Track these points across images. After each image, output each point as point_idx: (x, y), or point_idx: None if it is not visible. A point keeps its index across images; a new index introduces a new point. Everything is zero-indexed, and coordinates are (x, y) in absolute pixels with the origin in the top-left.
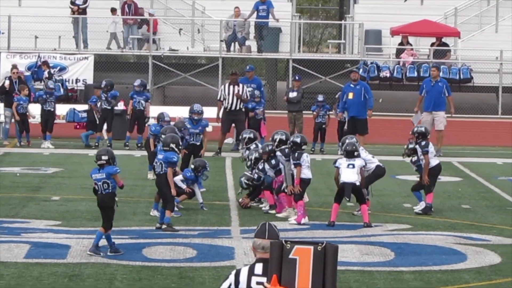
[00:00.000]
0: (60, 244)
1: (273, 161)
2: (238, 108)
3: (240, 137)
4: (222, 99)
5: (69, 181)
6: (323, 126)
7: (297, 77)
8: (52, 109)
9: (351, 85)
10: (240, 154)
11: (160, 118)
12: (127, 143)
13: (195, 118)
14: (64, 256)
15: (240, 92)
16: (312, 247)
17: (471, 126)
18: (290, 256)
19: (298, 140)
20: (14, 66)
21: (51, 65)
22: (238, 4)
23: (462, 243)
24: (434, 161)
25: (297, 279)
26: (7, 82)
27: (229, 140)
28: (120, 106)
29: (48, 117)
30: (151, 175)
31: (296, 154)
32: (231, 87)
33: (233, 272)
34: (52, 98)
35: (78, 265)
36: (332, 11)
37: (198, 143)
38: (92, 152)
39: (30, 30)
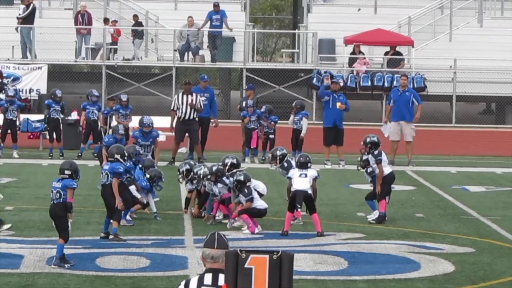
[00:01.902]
0: (14, 254)
1: (226, 180)
2: (191, 117)
3: (177, 171)
4: (175, 108)
5: (23, 191)
6: (270, 136)
7: (250, 86)
8: (14, 118)
9: (335, 95)
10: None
11: (115, 130)
12: (79, 154)
13: (145, 130)
14: (17, 266)
15: (194, 102)
16: (267, 256)
17: (425, 135)
18: (246, 265)
19: (242, 178)
20: None
21: (4, 75)
22: (192, 13)
23: (415, 251)
24: (387, 170)
25: None
26: None
27: (183, 150)
28: (74, 116)
29: (10, 126)
30: None
31: (246, 190)
32: (185, 96)
33: (183, 283)
34: (14, 106)
35: (32, 275)
36: (286, 20)
37: (149, 154)
38: (46, 162)
39: None
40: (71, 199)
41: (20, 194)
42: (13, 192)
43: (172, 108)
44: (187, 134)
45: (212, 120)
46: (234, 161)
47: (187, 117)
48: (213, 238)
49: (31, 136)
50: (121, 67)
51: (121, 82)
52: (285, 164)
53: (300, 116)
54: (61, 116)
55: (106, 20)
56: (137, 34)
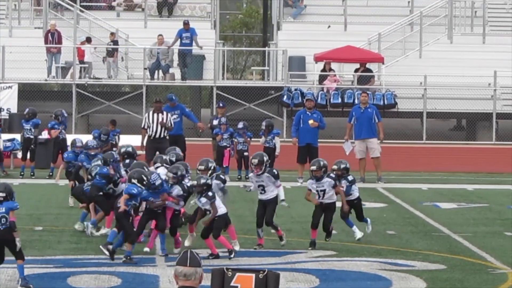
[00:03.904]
0: None
1: (210, 193)
2: (162, 136)
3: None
4: (146, 127)
5: None
6: (245, 153)
7: (221, 104)
8: None
9: (308, 113)
10: None
11: (73, 144)
12: (51, 173)
13: (92, 153)
14: None
15: (164, 120)
16: (253, 275)
17: (396, 152)
18: (232, 284)
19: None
20: None
21: None
22: (162, 31)
23: (387, 269)
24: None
25: None
26: None
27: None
28: (45, 134)
29: None
30: (71, 201)
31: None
32: (155, 115)
33: None
34: None
35: None
36: (256, 37)
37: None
38: (17, 181)
39: None
40: (14, 218)
41: None
42: None
43: (142, 126)
44: (157, 153)
45: (198, 125)
46: (214, 164)
47: (157, 135)
48: (186, 256)
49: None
50: (91, 86)
51: (91, 101)
52: (275, 172)
53: (272, 136)
54: (32, 134)
55: (89, 40)
56: (110, 53)
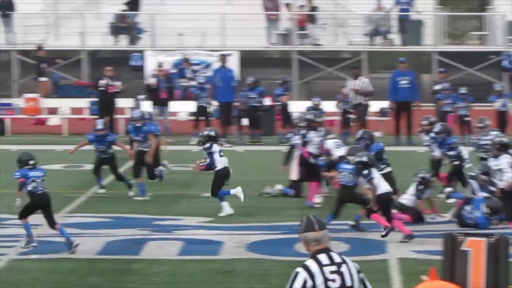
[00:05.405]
0: (213, 240)
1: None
2: (357, 102)
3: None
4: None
5: None
6: (465, 118)
7: (442, 69)
8: (205, 105)
9: None
10: None
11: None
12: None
13: (137, 125)
14: (217, 253)
15: (357, 86)
16: (485, 239)
17: None
18: (463, 248)
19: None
20: (160, 64)
21: (196, 62)
22: None
23: None
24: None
25: (470, 271)
26: (153, 80)
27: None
28: (266, 102)
29: (201, 113)
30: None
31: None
32: (352, 82)
33: (300, 269)
34: (205, 93)
35: (232, 261)
36: (475, 2)
37: (145, 149)
38: (239, 148)
39: (174, 27)
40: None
41: None
42: (209, 178)
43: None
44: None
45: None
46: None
47: (353, 102)
48: (312, 221)
49: None
50: (311, 52)
51: (312, 67)
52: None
53: (505, 99)
54: (259, 102)
55: (287, 5)
56: (311, 19)
